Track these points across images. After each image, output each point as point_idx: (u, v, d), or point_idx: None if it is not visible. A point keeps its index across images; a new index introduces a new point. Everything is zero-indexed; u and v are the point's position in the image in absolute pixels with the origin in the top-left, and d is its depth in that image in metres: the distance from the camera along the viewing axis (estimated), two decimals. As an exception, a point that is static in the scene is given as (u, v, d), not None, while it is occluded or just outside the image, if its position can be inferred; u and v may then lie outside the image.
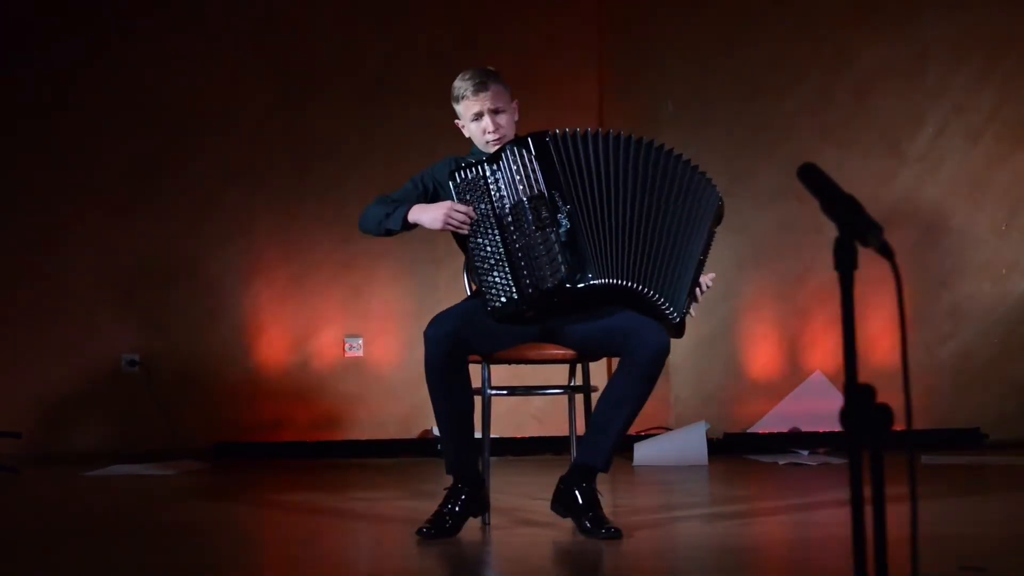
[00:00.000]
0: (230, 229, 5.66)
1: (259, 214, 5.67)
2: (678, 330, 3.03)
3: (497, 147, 3.03)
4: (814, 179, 1.55)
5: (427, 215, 2.98)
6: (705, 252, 3.08)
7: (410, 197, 3.10)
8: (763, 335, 5.57)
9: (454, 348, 2.85)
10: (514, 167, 2.89)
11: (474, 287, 3.20)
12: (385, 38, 5.74)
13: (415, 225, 3.03)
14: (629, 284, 2.86)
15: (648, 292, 2.89)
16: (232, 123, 5.69)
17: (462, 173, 2.95)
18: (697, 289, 3.07)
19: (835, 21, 5.66)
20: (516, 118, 3.14)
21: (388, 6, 5.77)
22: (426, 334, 2.86)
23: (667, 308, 2.93)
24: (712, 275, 3.15)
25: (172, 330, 5.62)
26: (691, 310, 3.07)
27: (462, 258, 3.34)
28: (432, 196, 3.11)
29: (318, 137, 5.71)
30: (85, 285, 5.61)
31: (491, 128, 3.06)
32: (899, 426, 1.42)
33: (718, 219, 3.13)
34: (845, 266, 1.44)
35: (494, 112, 3.06)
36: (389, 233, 3.08)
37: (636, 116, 5.56)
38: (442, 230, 2.97)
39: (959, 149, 5.58)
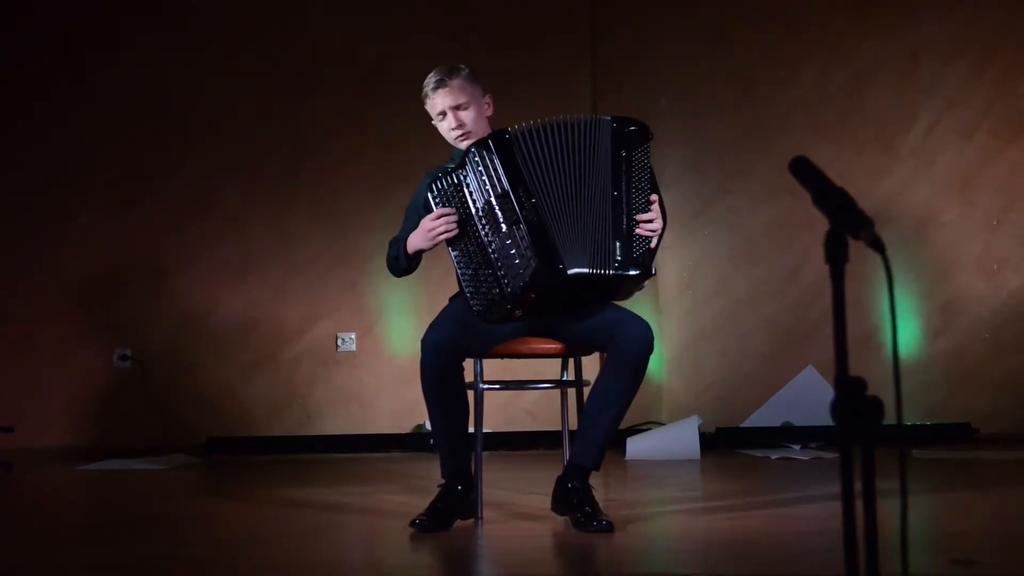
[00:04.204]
0: (223, 224, 5.66)
1: (253, 210, 5.66)
2: (624, 279, 2.87)
3: (465, 143, 3.05)
4: (805, 172, 1.55)
5: (419, 241, 3.01)
6: (620, 180, 2.90)
7: (412, 230, 3.08)
8: (755, 330, 5.58)
9: (451, 354, 2.85)
10: (480, 168, 2.89)
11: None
12: (379, 33, 5.74)
13: (419, 252, 3.06)
14: (604, 272, 2.85)
15: (608, 272, 2.85)
16: (226, 119, 5.68)
17: (439, 184, 2.96)
18: (647, 223, 2.90)
19: (829, 18, 5.67)
20: (488, 113, 3.12)
21: (382, 1, 5.76)
22: (424, 341, 2.85)
23: (609, 272, 2.85)
24: (655, 221, 2.91)
25: (165, 325, 5.61)
26: (637, 250, 2.88)
27: (455, 252, 3.35)
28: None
29: (312, 133, 5.70)
30: (78, 280, 5.61)
31: (454, 124, 3.06)
32: (890, 420, 1.43)
33: (624, 139, 2.95)
34: (836, 259, 1.44)
35: (455, 108, 3.05)
36: (409, 270, 3.12)
37: (630, 112, 5.52)
38: (435, 245, 2.99)
39: (952, 145, 5.59)
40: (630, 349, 2.83)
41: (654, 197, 2.97)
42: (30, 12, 5.70)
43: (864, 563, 1.40)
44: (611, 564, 2.54)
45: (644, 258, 2.91)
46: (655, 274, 2.97)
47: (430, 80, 3.09)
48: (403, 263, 3.10)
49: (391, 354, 5.59)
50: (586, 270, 2.84)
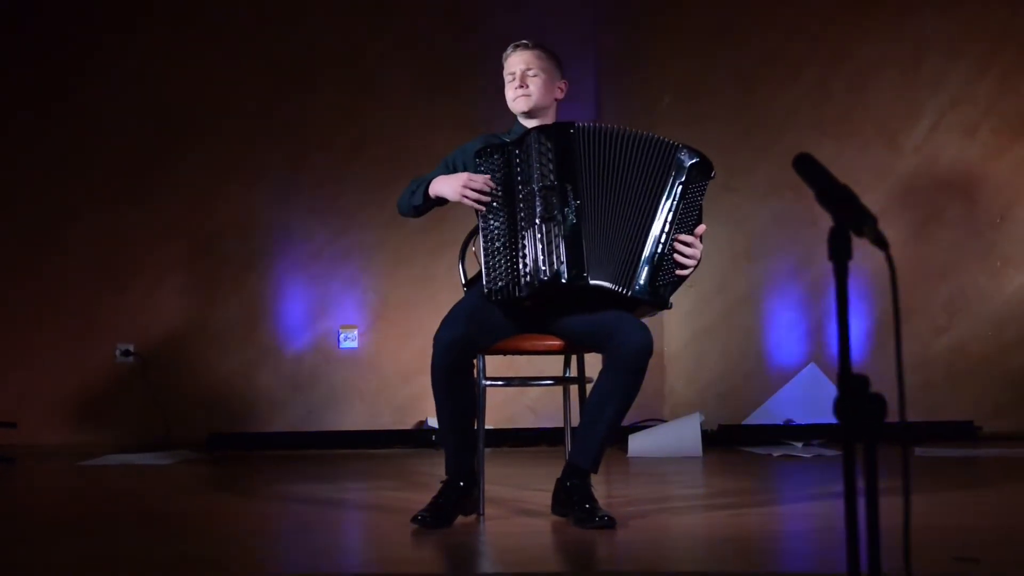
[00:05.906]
0: (226, 221, 5.65)
1: (255, 206, 5.66)
2: (639, 302, 2.90)
3: (522, 101, 3.05)
4: (809, 169, 1.55)
5: (447, 186, 2.99)
6: (667, 210, 2.91)
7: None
8: (758, 327, 5.58)
9: (462, 351, 2.85)
10: (535, 154, 2.88)
11: (469, 276, 3.21)
12: (381, 31, 5.73)
13: (440, 200, 3.04)
14: (622, 290, 2.86)
15: (626, 292, 2.88)
16: (229, 115, 5.67)
17: (490, 152, 2.96)
18: (679, 254, 2.92)
19: (832, 14, 5.66)
20: (558, 96, 3.12)
21: (383, 0, 5.76)
22: (436, 337, 2.84)
23: (627, 292, 2.88)
24: (693, 249, 2.94)
25: (167, 320, 5.61)
26: (662, 280, 2.90)
27: (458, 249, 3.35)
28: None
29: (315, 129, 5.69)
30: (80, 275, 5.60)
31: (518, 84, 3.06)
32: (892, 418, 1.42)
33: (684, 170, 2.94)
34: (839, 256, 1.44)
35: (526, 71, 3.06)
36: (418, 210, 3.10)
37: (633, 109, 5.56)
38: (461, 202, 2.96)
39: (955, 142, 5.58)
40: (627, 352, 2.82)
41: (696, 233, 2.97)
42: (31, 10, 5.69)
43: (867, 561, 1.40)
44: (612, 560, 2.54)
45: (665, 290, 2.92)
46: (671, 307, 2.97)
47: (513, 45, 3.11)
48: (417, 199, 3.07)
49: (394, 350, 5.58)
50: (607, 284, 2.84)
